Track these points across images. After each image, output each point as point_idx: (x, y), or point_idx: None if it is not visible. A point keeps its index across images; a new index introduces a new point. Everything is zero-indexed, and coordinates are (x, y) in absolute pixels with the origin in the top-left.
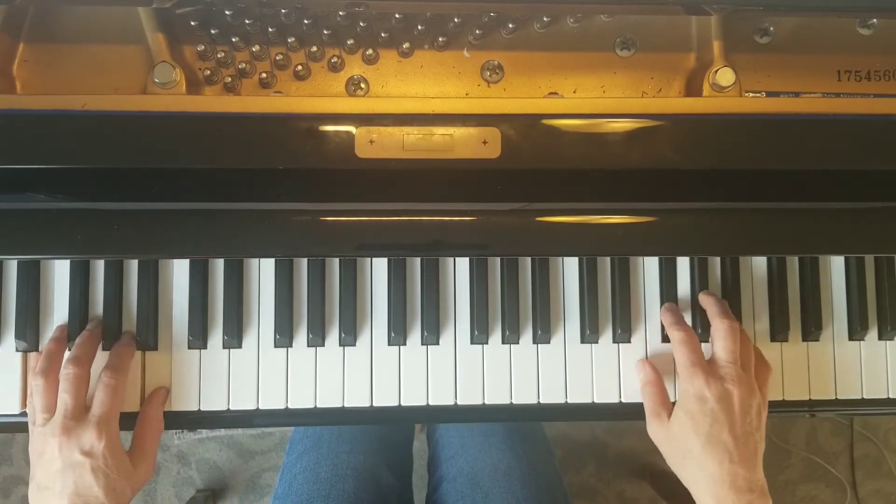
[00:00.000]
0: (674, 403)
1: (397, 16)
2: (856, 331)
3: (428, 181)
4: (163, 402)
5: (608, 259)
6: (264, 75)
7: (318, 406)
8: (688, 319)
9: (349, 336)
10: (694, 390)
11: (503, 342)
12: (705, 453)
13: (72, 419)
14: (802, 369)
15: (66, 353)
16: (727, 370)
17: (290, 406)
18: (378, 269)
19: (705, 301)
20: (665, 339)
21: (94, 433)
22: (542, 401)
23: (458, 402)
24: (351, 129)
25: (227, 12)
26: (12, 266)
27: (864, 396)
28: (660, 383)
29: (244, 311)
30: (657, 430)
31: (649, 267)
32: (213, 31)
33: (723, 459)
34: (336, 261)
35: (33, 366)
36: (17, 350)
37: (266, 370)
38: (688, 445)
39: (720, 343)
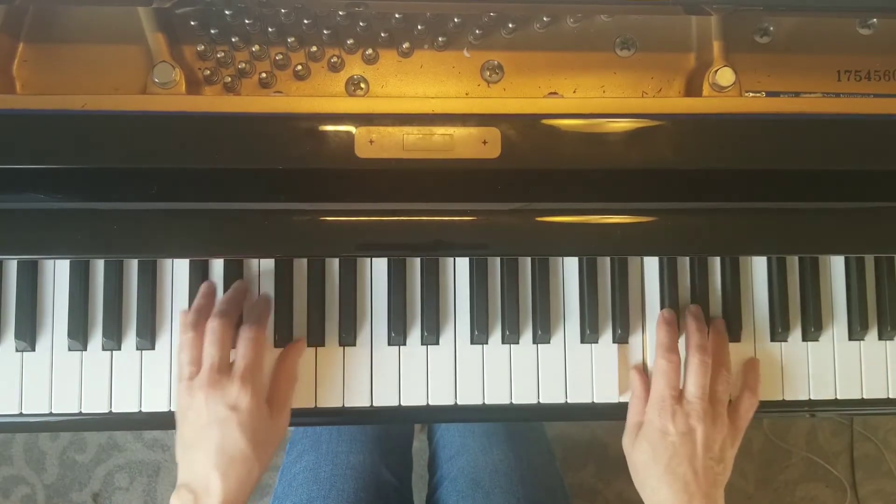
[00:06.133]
0: None
1: (397, 16)
2: (856, 331)
3: (428, 181)
4: (299, 355)
5: (608, 259)
6: (264, 75)
7: (318, 406)
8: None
9: (349, 336)
10: (658, 423)
11: (503, 342)
12: (662, 481)
13: (218, 372)
14: (802, 369)
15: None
16: (694, 406)
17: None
18: (378, 269)
19: (690, 325)
20: None
21: (238, 386)
22: (542, 401)
23: (458, 402)
24: (351, 129)
25: (227, 12)
26: (12, 266)
27: (864, 396)
28: (646, 399)
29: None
30: (627, 446)
31: (649, 267)
32: (213, 31)
33: (678, 489)
34: (336, 261)
35: (182, 322)
36: (16, 350)
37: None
38: (647, 470)
39: (691, 377)
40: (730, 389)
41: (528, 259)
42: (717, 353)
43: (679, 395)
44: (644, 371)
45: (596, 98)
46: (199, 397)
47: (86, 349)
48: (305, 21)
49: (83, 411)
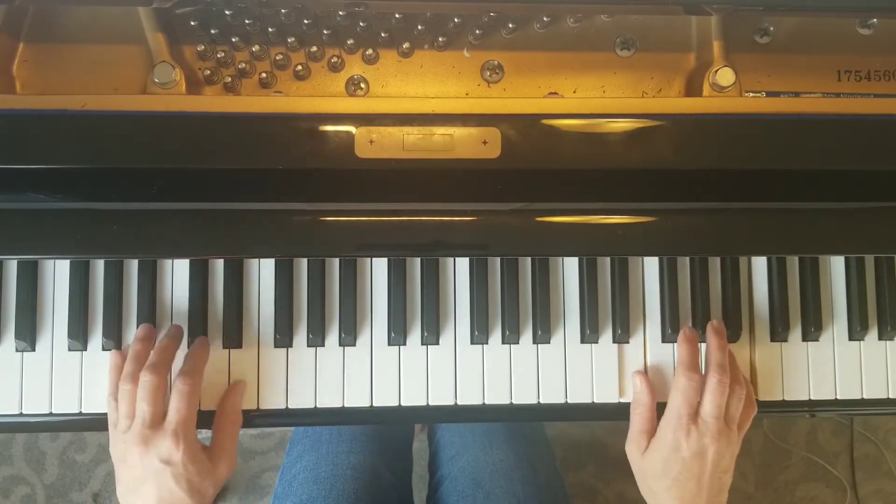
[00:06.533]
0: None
1: (397, 16)
2: (856, 331)
3: (428, 181)
4: (241, 397)
5: (608, 259)
6: (264, 75)
7: (319, 406)
8: (689, 321)
9: (349, 336)
10: (672, 438)
11: (503, 342)
12: (668, 493)
13: (149, 428)
14: (802, 369)
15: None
16: (710, 425)
17: (290, 406)
18: (378, 269)
19: (711, 342)
20: (665, 339)
21: (170, 441)
22: (542, 401)
23: (458, 402)
24: (351, 129)
25: (227, 12)
26: (12, 266)
27: (864, 396)
28: (651, 408)
29: (244, 312)
30: (633, 454)
31: (649, 267)
32: (213, 31)
33: (684, 500)
34: (336, 261)
35: (114, 363)
36: (16, 350)
37: (266, 370)
38: (655, 480)
39: (709, 396)
40: (741, 406)
41: (528, 259)
42: (731, 370)
43: (695, 414)
44: (646, 374)
45: (596, 98)
46: (133, 452)
47: (86, 349)
48: (305, 21)
49: (83, 411)
